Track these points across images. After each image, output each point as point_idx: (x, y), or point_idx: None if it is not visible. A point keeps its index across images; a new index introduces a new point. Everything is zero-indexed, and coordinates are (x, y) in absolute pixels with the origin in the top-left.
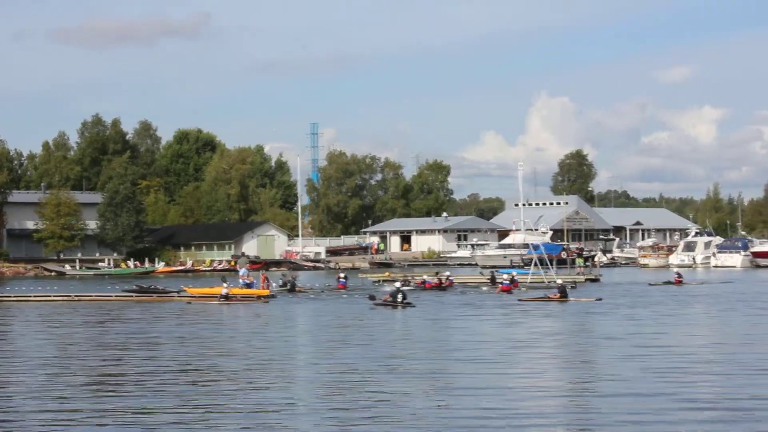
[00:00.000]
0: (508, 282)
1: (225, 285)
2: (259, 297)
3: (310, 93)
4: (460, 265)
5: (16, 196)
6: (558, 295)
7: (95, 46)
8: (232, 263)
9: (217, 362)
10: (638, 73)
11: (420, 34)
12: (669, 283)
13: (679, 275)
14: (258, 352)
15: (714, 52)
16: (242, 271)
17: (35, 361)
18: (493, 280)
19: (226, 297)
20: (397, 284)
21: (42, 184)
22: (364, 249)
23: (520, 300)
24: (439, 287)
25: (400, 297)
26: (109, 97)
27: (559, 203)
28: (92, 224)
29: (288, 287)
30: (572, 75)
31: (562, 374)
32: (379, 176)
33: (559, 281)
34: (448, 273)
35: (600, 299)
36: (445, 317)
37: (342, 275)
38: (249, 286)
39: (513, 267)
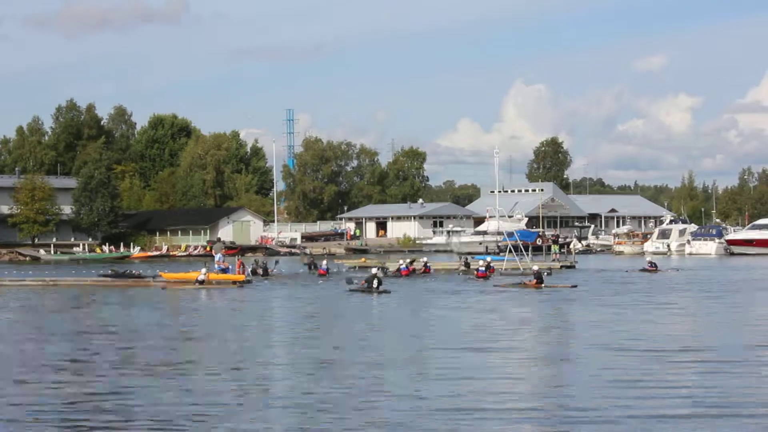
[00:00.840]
0: (483, 269)
1: (203, 271)
2: (234, 282)
3: (285, 79)
4: (436, 251)
5: None
6: (534, 281)
7: (72, 32)
8: (208, 248)
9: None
10: (614, 61)
11: (397, 20)
12: (645, 270)
13: (652, 264)
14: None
15: (690, 40)
16: (218, 257)
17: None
18: (467, 266)
19: (202, 282)
20: (374, 270)
21: (16, 168)
22: (340, 235)
23: (495, 286)
24: (412, 273)
25: (375, 283)
26: (84, 82)
27: (534, 190)
28: (67, 209)
29: (261, 272)
30: (548, 62)
31: (538, 363)
32: (355, 162)
33: (536, 267)
34: (425, 259)
35: (575, 286)
36: (420, 304)
37: (324, 262)
38: (225, 271)
39: (488, 253)
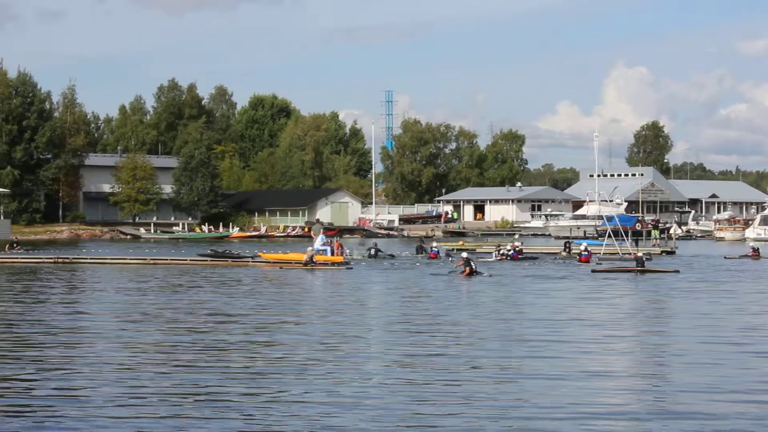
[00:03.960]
0: (586, 253)
1: (310, 251)
2: (333, 264)
3: (385, 60)
4: (534, 235)
5: (93, 159)
6: (636, 266)
7: (174, 11)
8: (306, 229)
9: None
10: (717, 44)
11: (497, 2)
12: (745, 256)
13: (755, 249)
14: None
15: None
16: (320, 238)
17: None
18: (568, 250)
19: (310, 263)
20: (464, 254)
21: (118, 147)
22: (437, 217)
23: (594, 271)
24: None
25: (473, 265)
26: (185, 62)
27: (634, 175)
28: (167, 188)
29: (372, 253)
30: (650, 45)
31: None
32: (453, 145)
33: (639, 254)
34: (518, 243)
35: (677, 271)
36: (515, 288)
37: (434, 244)
38: (323, 252)
39: (587, 238)
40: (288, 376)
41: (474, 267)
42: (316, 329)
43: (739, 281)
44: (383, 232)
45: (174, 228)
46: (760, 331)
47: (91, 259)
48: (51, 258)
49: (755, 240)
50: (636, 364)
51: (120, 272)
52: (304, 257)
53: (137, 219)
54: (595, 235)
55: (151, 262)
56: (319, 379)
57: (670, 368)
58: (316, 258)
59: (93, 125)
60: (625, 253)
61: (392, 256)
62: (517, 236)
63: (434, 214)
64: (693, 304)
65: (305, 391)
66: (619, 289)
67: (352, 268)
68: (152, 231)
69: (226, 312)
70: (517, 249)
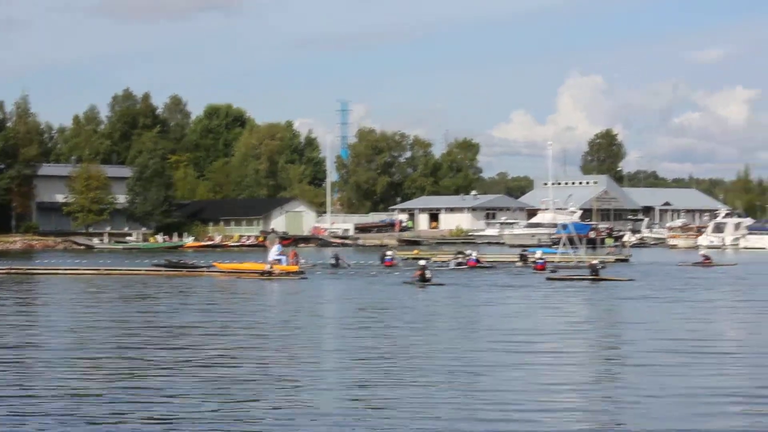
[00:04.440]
0: (542, 261)
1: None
2: (288, 273)
3: (340, 69)
4: (488, 243)
5: (46, 169)
6: (590, 274)
7: (129, 20)
8: (261, 239)
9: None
10: (671, 53)
11: (451, 10)
12: (697, 264)
13: (706, 257)
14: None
15: (747, 32)
16: (276, 248)
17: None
18: (524, 259)
19: (268, 273)
20: (422, 262)
21: (72, 157)
22: (390, 226)
23: (548, 279)
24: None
25: (427, 274)
26: (140, 71)
27: (588, 183)
28: (121, 198)
29: (335, 262)
30: (605, 53)
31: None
32: (408, 154)
33: (594, 261)
34: (469, 252)
35: (632, 279)
36: (471, 297)
37: (389, 252)
38: (278, 262)
39: (541, 246)
40: (235, 387)
41: (429, 275)
42: (269, 340)
43: (692, 289)
44: (338, 241)
45: (128, 238)
46: (714, 340)
47: (44, 269)
48: (3, 269)
49: (708, 247)
50: (590, 373)
51: (74, 283)
52: (265, 267)
53: (91, 229)
54: (550, 243)
55: (105, 272)
56: (273, 390)
57: (623, 377)
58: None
59: (46, 135)
60: (579, 261)
61: (349, 266)
62: (467, 251)
63: (388, 222)
64: (646, 312)
65: (258, 400)
66: (573, 297)
67: (307, 278)
68: (106, 241)
69: (178, 324)
70: (474, 257)
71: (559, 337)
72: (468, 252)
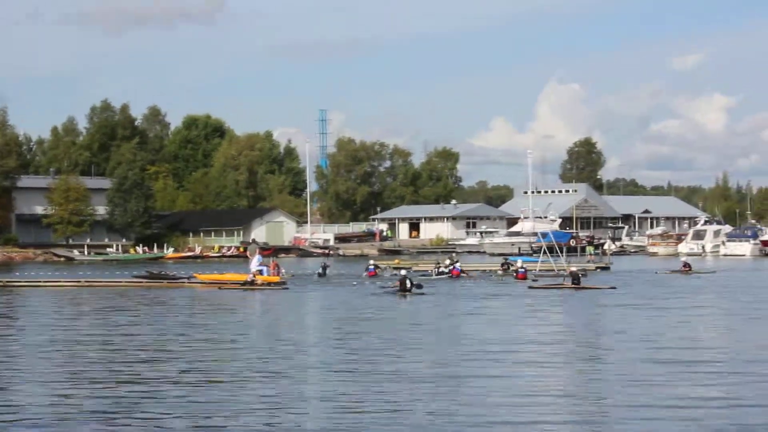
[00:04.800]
0: (522, 270)
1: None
2: (269, 284)
3: (320, 78)
4: (469, 252)
5: (26, 181)
6: (571, 282)
7: (107, 31)
8: (241, 249)
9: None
10: (649, 61)
11: (431, 19)
12: (677, 271)
13: (686, 264)
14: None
15: (725, 39)
16: (257, 258)
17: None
18: (507, 267)
19: (250, 283)
20: (403, 272)
21: (51, 169)
22: (370, 235)
23: (530, 288)
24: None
25: (408, 283)
26: (118, 82)
27: (568, 191)
28: (101, 210)
29: (322, 272)
30: (583, 61)
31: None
32: (387, 163)
33: (573, 269)
34: (448, 262)
35: (614, 288)
36: (452, 306)
37: (372, 262)
38: (259, 273)
39: (522, 255)
40: (218, 396)
41: (410, 284)
42: (252, 351)
43: (673, 296)
44: (319, 251)
45: (108, 249)
46: (695, 349)
47: (24, 282)
48: None
49: (688, 254)
50: (573, 383)
51: (54, 295)
52: (247, 277)
53: (71, 241)
54: (530, 252)
55: (86, 284)
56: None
57: (605, 387)
58: (265, 279)
59: (25, 147)
60: (560, 270)
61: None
62: (454, 255)
63: (367, 232)
64: (627, 320)
65: (237, 414)
66: (555, 306)
67: (288, 288)
68: (86, 253)
69: (157, 335)
70: (457, 266)
71: (540, 347)
72: (456, 259)
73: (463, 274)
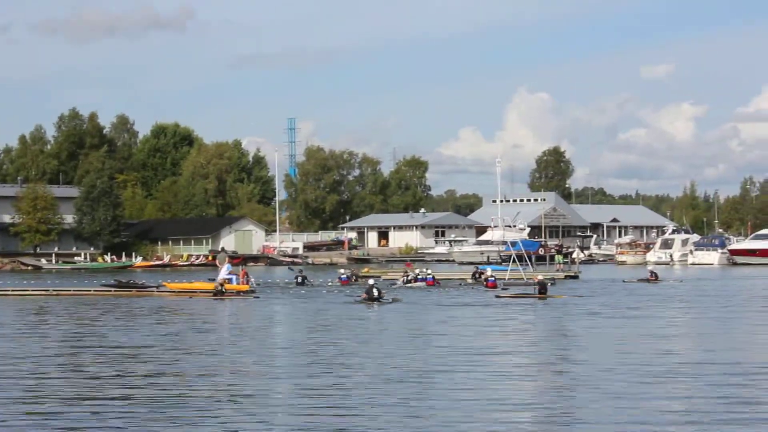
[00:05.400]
0: (492, 278)
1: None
2: (238, 293)
3: (288, 87)
4: (438, 261)
5: None
6: (538, 291)
7: (75, 40)
8: (210, 258)
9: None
10: (617, 70)
11: (399, 29)
12: (644, 280)
13: (653, 273)
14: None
15: (692, 48)
16: (226, 267)
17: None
18: (477, 275)
19: (220, 293)
20: (371, 281)
21: (18, 177)
22: (339, 244)
23: (498, 297)
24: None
25: (375, 292)
26: (86, 90)
27: (536, 200)
28: (69, 218)
29: (300, 281)
30: (551, 71)
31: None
32: (356, 172)
33: (540, 277)
34: (418, 271)
35: (580, 296)
36: (419, 315)
37: (342, 271)
38: (228, 281)
39: (491, 263)
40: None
41: (378, 294)
42: (222, 359)
43: (638, 305)
44: (288, 259)
45: (76, 258)
46: (659, 357)
47: None
48: None
49: (656, 263)
50: (537, 393)
51: (22, 304)
52: (215, 285)
53: (38, 249)
54: (499, 261)
55: (54, 293)
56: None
57: (571, 397)
58: (230, 287)
59: None
60: (529, 278)
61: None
62: (426, 269)
63: (335, 240)
64: (592, 329)
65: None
66: (521, 315)
67: (258, 297)
68: (54, 261)
69: (126, 344)
70: (429, 276)
71: (505, 356)
72: (428, 271)
73: (436, 284)
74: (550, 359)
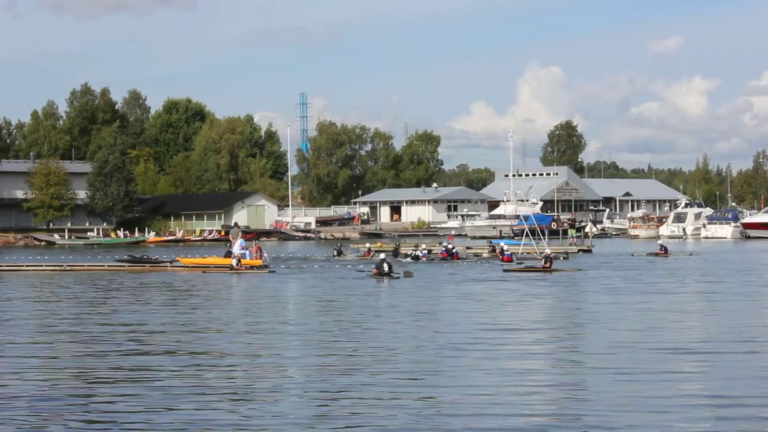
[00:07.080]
0: (508, 253)
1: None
2: (251, 267)
3: (300, 62)
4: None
5: (5, 165)
6: (545, 264)
7: (88, 15)
8: (223, 233)
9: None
10: (630, 44)
11: (412, 4)
12: (654, 254)
13: (663, 247)
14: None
15: (705, 23)
16: (239, 242)
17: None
18: (494, 250)
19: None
20: (382, 255)
21: (31, 153)
22: (350, 219)
23: (506, 271)
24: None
25: (386, 267)
26: (99, 66)
27: (548, 174)
28: (82, 194)
29: (336, 254)
30: (564, 45)
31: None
32: (369, 146)
33: (548, 251)
34: (445, 244)
35: (579, 269)
36: (427, 291)
37: (368, 244)
38: (243, 256)
39: (503, 238)
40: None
41: (388, 269)
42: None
43: (646, 279)
44: (300, 234)
45: (89, 234)
46: (661, 330)
47: (5, 266)
48: None
49: (669, 237)
50: (539, 368)
51: (36, 279)
52: (231, 260)
53: (51, 225)
54: (512, 235)
55: (68, 268)
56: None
57: (579, 374)
58: (247, 263)
59: (5, 131)
60: (542, 252)
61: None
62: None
63: (346, 216)
64: (596, 303)
65: (219, 402)
66: (528, 289)
67: (274, 272)
68: (67, 237)
69: (140, 322)
70: (452, 250)
71: (515, 332)
72: (445, 244)
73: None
74: (555, 336)
